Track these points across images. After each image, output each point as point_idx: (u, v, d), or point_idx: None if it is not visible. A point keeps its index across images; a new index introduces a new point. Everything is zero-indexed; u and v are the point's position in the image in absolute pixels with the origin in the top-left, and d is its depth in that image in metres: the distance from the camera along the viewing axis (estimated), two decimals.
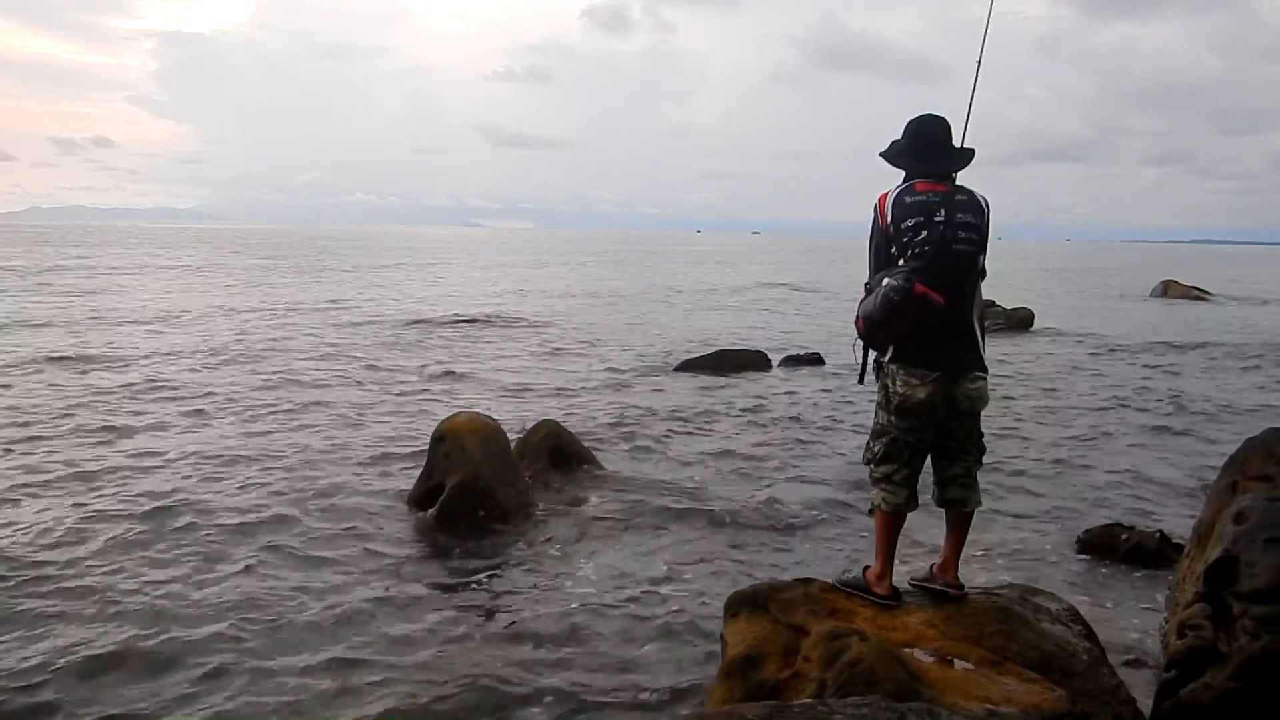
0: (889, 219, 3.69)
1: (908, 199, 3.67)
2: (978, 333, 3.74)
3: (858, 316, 3.73)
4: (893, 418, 3.75)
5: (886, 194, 3.73)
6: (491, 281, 36.95)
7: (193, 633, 4.89)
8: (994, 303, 20.05)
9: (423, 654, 4.78)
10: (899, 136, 3.83)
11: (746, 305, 28.33)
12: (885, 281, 3.60)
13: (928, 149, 3.74)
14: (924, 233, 3.61)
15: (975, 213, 3.67)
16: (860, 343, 3.81)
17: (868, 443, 3.91)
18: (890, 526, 3.83)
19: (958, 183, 3.74)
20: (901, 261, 3.67)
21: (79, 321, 18.66)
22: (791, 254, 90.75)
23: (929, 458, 3.87)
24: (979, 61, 4.18)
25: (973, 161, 3.82)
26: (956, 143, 3.82)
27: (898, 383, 3.69)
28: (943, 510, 3.94)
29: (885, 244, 3.72)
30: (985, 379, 3.74)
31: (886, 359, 3.75)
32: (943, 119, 3.79)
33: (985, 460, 3.93)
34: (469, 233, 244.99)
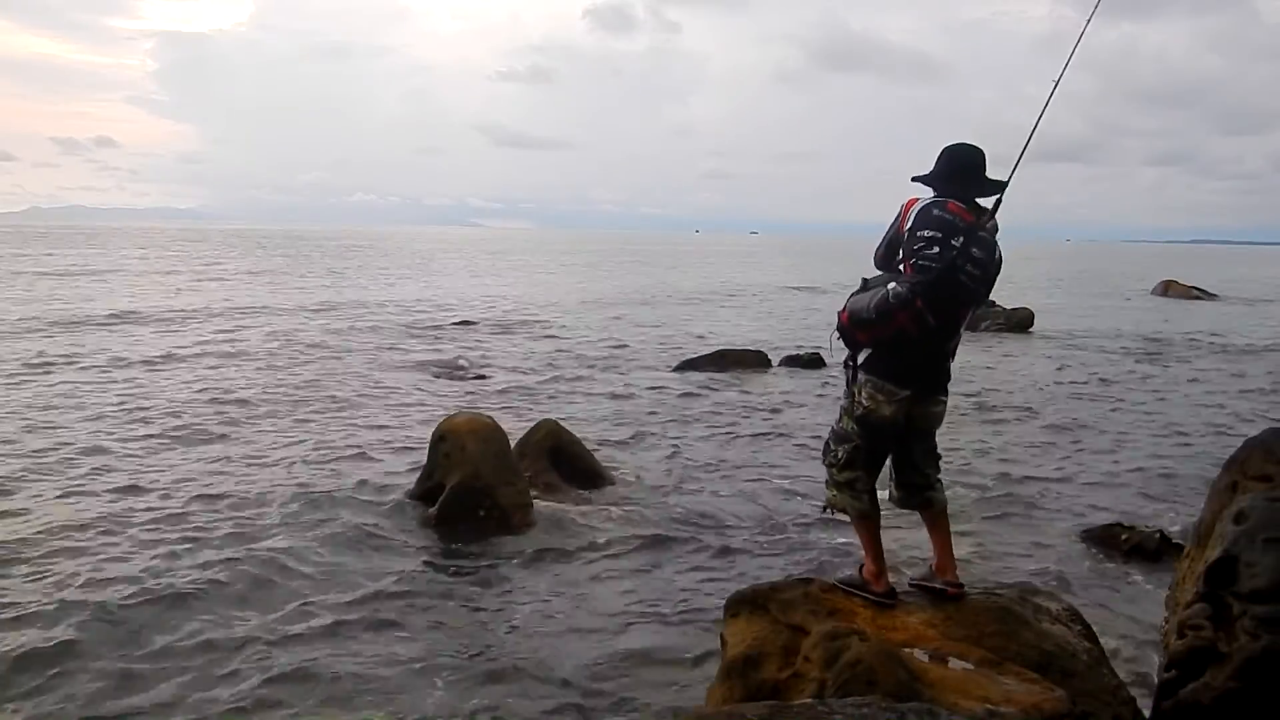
0: (909, 223, 3.70)
1: (935, 211, 3.68)
2: (949, 359, 3.79)
3: (845, 310, 3.71)
4: (855, 426, 3.78)
5: (917, 200, 3.76)
6: (492, 283, 36.94)
7: (179, 630, 4.89)
8: (994, 303, 19.90)
9: (420, 653, 4.77)
10: (932, 166, 3.81)
11: (748, 304, 28.34)
12: (891, 286, 3.59)
13: (962, 173, 3.76)
14: (936, 249, 3.61)
15: (988, 254, 3.66)
16: (838, 335, 3.76)
17: (827, 442, 3.91)
18: (870, 528, 3.87)
19: (986, 223, 3.71)
20: (903, 268, 3.68)
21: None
22: (787, 254, 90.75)
23: (889, 462, 3.91)
24: (1055, 81, 4.16)
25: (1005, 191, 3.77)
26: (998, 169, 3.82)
27: (864, 394, 3.71)
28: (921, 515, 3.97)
29: (896, 245, 3.75)
30: (946, 402, 3.84)
31: (859, 364, 3.76)
32: (979, 148, 3.83)
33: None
34: (470, 233, 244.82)
